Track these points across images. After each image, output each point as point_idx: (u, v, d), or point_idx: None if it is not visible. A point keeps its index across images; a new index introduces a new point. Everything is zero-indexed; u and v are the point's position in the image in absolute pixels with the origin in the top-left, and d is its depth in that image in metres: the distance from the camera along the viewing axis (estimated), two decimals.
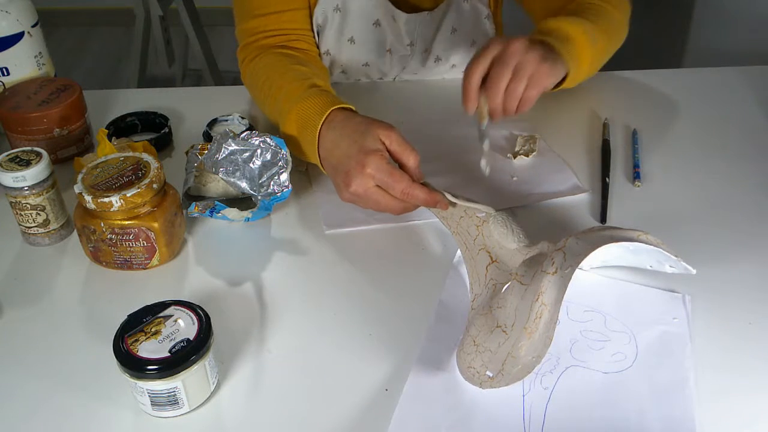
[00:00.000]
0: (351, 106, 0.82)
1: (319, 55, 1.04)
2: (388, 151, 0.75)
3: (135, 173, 0.75)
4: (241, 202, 0.84)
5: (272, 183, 0.80)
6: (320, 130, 0.79)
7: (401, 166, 0.76)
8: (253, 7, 0.99)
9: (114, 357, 0.59)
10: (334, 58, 1.06)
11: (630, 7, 1.01)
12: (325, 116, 0.79)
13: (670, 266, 0.72)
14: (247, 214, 0.79)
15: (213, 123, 0.99)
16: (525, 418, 0.61)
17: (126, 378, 0.60)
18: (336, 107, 0.80)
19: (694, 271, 0.70)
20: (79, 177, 0.75)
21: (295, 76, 0.90)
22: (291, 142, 0.85)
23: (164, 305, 0.63)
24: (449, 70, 1.13)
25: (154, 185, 0.74)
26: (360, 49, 1.05)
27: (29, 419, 0.62)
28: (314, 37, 1.04)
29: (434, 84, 1.12)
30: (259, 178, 0.81)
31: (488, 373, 0.61)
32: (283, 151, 0.80)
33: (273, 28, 0.99)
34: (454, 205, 0.75)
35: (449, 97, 1.09)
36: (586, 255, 0.61)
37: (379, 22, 1.01)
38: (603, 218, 0.84)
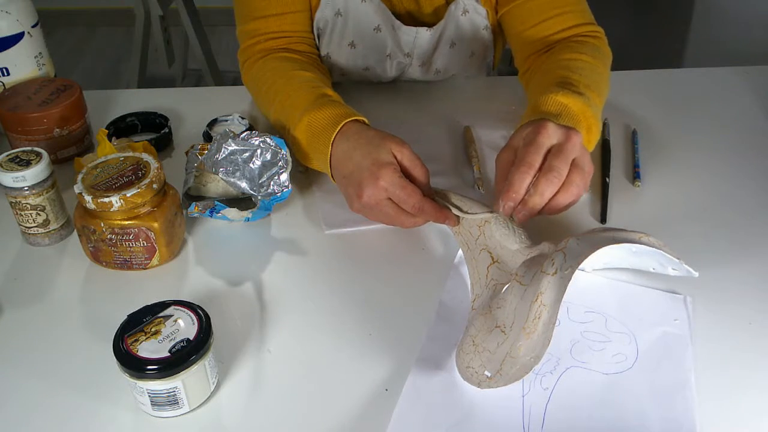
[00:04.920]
0: (363, 118, 0.82)
1: (319, 56, 1.04)
2: (399, 165, 0.75)
3: (135, 173, 0.75)
4: (241, 202, 0.84)
5: (272, 183, 0.80)
6: (333, 140, 0.79)
7: (411, 181, 0.75)
8: (253, 9, 0.99)
9: (114, 357, 0.59)
10: (334, 61, 1.06)
11: (611, 54, 0.96)
12: (339, 127, 0.79)
13: (673, 269, 0.72)
14: (247, 214, 0.79)
15: (213, 123, 0.99)
16: (525, 419, 0.61)
17: (126, 378, 0.60)
18: (350, 119, 0.80)
19: (696, 274, 0.70)
20: (79, 177, 0.75)
21: (301, 83, 0.90)
22: (298, 149, 0.85)
23: (164, 305, 0.63)
24: (449, 78, 1.12)
25: (154, 185, 0.74)
26: (360, 54, 1.04)
27: (29, 419, 0.62)
28: (315, 39, 1.04)
29: (435, 84, 1.12)
30: (259, 178, 0.80)
31: (486, 372, 0.61)
32: (283, 151, 0.80)
33: (274, 31, 0.99)
34: (458, 220, 0.75)
35: (450, 96, 1.09)
36: (586, 256, 0.61)
37: (380, 27, 1.01)
38: (603, 218, 0.84)
